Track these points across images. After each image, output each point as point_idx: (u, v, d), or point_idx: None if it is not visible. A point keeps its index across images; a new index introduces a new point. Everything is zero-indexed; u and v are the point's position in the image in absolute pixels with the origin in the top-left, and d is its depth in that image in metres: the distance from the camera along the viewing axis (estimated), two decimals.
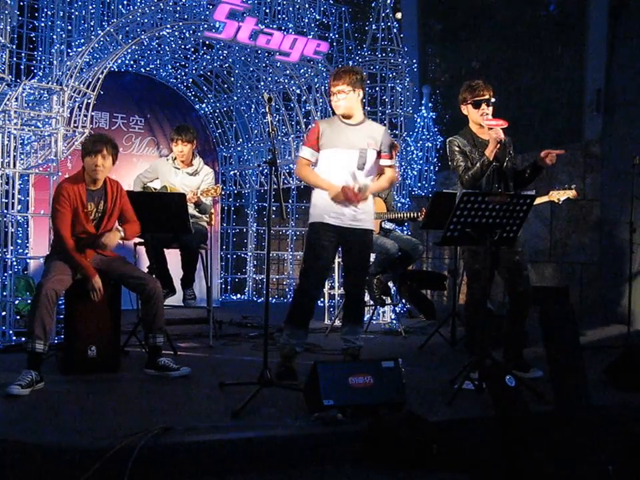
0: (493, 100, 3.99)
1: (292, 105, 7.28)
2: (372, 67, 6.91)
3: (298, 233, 8.51)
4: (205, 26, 6.02)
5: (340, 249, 4.14)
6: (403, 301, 7.02)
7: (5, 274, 4.70)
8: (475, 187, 3.93)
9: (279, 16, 6.81)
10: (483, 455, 3.05)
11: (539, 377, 3.96)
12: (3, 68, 4.89)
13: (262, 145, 8.02)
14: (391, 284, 6.11)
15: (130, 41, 5.59)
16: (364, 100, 6.86)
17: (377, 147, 4.02)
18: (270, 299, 3.80)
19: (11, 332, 4.67)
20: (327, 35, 7.39)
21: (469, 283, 4.09)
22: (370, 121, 4.19)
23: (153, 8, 5.70)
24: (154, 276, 4.41)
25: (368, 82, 6.92)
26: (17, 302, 4.97)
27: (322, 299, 6.73)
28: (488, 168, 3.89)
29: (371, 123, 4.15)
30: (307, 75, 6.94)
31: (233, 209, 8.59)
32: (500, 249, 3.93)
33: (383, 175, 4.14)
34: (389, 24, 6.86)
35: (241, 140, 8.24)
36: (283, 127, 7.57)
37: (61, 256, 3.88)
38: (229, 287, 8.57)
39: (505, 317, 4.18)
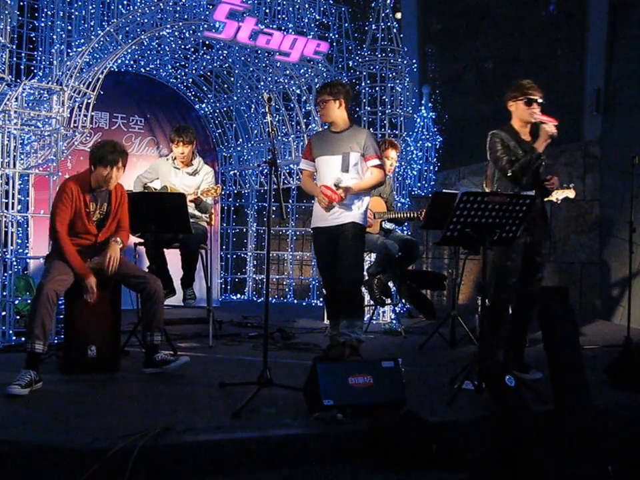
0: (541, 101, 4.04)
1: (292, 105, 7.29)
2: (372, 67, 6.91)
3: (298, 233, 8.51)
4: (205, 26, 6.02)
5: None
6: (403, 300, 7.01)
7: (5, 274, 4.70)
8: (521, 181, 3.96)
9: (279, 16, 6.82)
10: (483, 455, 3.05)
11: (539, 379, 3.95)
12: (3, 68, 4.89)
13: (262, 145, 8.02)
14: (390, 284, 6.10)
15: (130, 41, 5.59)
16: (364, 100, 6.90)
17: (361, 149, 4.30)
18: (270, 298, 3.82)
19: (10, 332, 4.67)
20: (327, 35, 7.39)
21: (497, 279, 4.01)
22: (356, 126, 4.51)
23: (152, 8, 5.70)
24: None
25: (368, 82, 6.94)
26: (16, 302, 4.96)
27: (321, 299, 6.74)
28: (537, 161, 3.90)
29: (356, 128, 4.46)
30: (306, 75, 6.94)
31: (232, 209, 8.59)
32: (530, 247, 3.93)
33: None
34: (388, 24, 6.85)
35: (240, 140, 8.24)
36: (283, 127, 7.57)
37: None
38: (228, 287, 8.57)
39: (511, 318, 4.17)
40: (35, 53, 6.38)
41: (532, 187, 4.01)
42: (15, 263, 4.86)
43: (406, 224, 6.87)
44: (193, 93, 8.01)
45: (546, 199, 5.46)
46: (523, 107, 4.04)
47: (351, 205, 4.28)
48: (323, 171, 4.36)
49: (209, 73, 7.79)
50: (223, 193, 8.07)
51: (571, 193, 5.42)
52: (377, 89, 6.91)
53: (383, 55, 6.83)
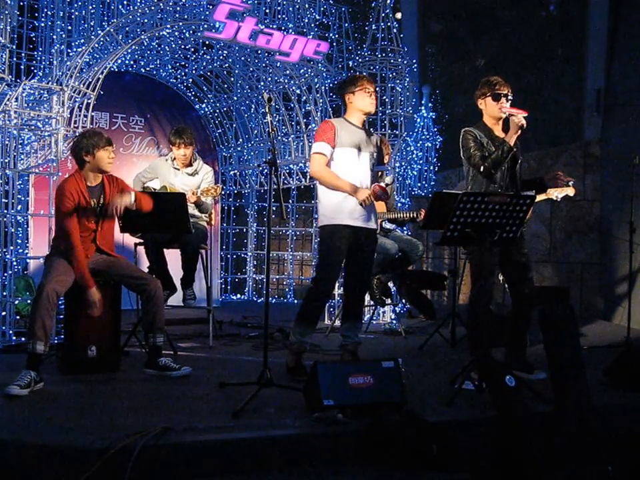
0: (510, 97, 4.02)
1: (292, 105, 7.28)
2: (372, 67, 6.91)
3: (298, 233, 8.51)
4: (205, 26, 6.02)
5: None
6: (403, 301, 7.02)
7: (5, 274, 4.70)
8: (493, 176, 3.93)
9: (279, 16, 6.81)
10: (483, 455, 3.04)
11: (543, 379, 3.93)
12: (3, 68, 4.89)
13: (262, 145, 8.02)
14: (390, 284, 6.11)
15: (130, 41, 5.59)
16: None
17: (377, 152, 4.22)
18: (270, 298, 3.81)
19: (11, 332, 4.67)
20: (327, 35, 7.39)
21: (476, 282, 4.03)
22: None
23: (152, 8, 5.70)
24: (154, 276, 4.41)
25: None
26: (16, 302, 4.97)
27: None
28: (509, 155, 3.88)
29: (368, 129, 4.31)
30: (306, 75, 6.94)
31: (232, 208, 8.59)
32: (508, 249, 3.92)
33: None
34: (388, 24, 6.86)
35: (240, 140, 8.24)
36: (283, 127, 7.57)
37: (62, 255, 3.87)
38: (228, 287, 8.57)
39: (509, 319, 4.18)
40: (35, 53, 6.37)
41: (507, 185, 4.00)
42: (14, 263, 4.86)
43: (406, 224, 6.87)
44: (193, 93, 8.01)
45: (545, 197, 5.47)
46: (492, 103, 4.02)
47: (374, 210, 4.18)
48: (350, 165, 4.04)
49: (209, 73, 7.78)
50: (222, 192, 8.07)
51: (570, 191, 5.40)
52: (377, 89, 6.90)
53: (383, 55, 6.84)
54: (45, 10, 6.12)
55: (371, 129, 6.74)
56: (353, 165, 4.04)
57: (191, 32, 6.30)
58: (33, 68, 6.36)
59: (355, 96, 4.09)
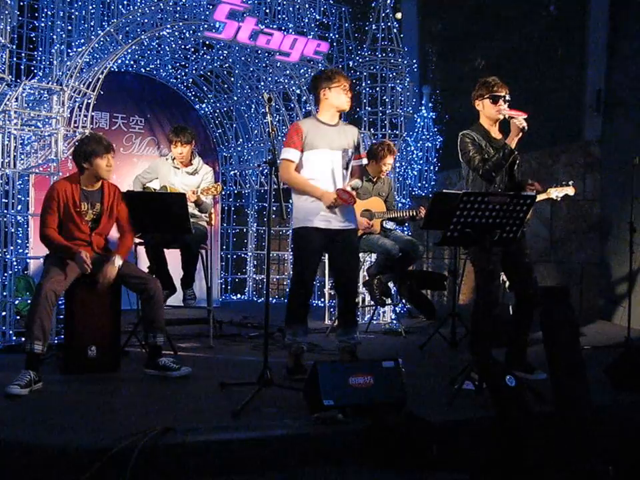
0: (508, 98, 4.00)
1: (292, 105, 7.29)
2: (372, 67, 6.92)
3: None
4: (205, 26, 6.03)
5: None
6: (403, 301, 7.02)
7: (5, 274, 4.70)
8: (493, 179, 3.91)
9: (279, 16, 6.82)
10: (483, 455, 3.05)
11: (543, 379, 3.92)
12: (3, 68, 4.89)
13: (262, 145, 8.02)
14: (391, 284, 6.11)
15: (130, 41, 5.59)
16: (364, 100, 6.92)
17: (354, 147, 4.08)
18: (270, 298, 3.80)
19: (10, 332, 4.67)
20: (327, 34, 7.39)
21: (480, 283, 3.99)
22: (343, 121, 4.22)
23: (153, 8, 5.70)
24: (154, 276, 4.41)
25: (368, 82, 6.95)
26: (16, 302, 4.97)
27: (322, 299, 6.74)
28: (510, 157, 3.86)
29: (347, 124, 4.23)
30: (306, 75, 6.94)
31: (233, 208, 8.59)
32: (510, 250, 3.91)
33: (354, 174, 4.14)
34: (389, 24, 6.86)
35: (240, 140, 8.24)
36: (283, 127, 7.57)
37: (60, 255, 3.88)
38: (229, 287, 8.58)
39: (512, 318, 4.17)
40: (35, 53, 6.37)
41: (506, 186, 3.99)
42: (14, 263, 4.86)
43: (406, 224, 6.87)
44: (193, 93, 8.01)
45: (546, 197, 5.48)
46: (490, 105, 3.99)
47: (352, 209, 4.10)
48: (321, 166, 3.98)
49: (209, 73, 7.79)
50: (223, 192, 8.07)
51: (570, 190, 5.41)
52: (378, 89, 6.92)
53: (383, 55, 6.84)
54: (45, 10, 6.12)
55: (371, 129, 6.76)
56: (325, 165, 3.98)
57: (191, 32, 6.31)
58: (33, 68, 6.36)
59: (331, 92, 4.01)
